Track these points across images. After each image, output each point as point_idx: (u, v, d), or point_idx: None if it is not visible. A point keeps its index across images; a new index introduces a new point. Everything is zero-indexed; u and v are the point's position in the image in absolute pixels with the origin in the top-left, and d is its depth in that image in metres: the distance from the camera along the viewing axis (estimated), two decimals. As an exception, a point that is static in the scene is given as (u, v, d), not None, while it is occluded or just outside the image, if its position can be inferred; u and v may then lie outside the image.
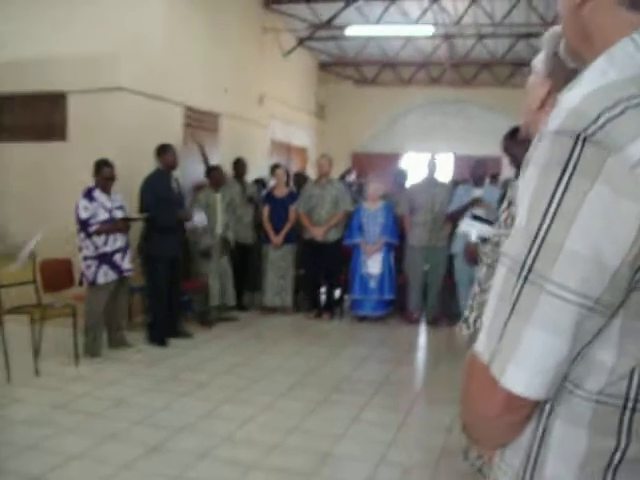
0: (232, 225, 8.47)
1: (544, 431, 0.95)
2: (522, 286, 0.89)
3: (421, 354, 7.85)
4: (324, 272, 8.95)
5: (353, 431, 4.93)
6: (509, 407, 0.93)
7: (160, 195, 7.03)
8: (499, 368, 0.91)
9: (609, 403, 0.91)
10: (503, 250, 0.95)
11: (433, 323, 8.69)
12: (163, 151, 7.24)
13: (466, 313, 1.60)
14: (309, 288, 9.25)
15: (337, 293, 9.31)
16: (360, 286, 8.77)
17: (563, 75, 1.58)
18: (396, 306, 9.02)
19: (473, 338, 1.53)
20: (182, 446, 4.51)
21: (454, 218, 7.76)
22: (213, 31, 9.68)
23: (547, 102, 1.61)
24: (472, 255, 2.77)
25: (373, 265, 8.72)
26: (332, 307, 9.09)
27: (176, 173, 7.44)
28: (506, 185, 7.03)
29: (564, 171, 0.86)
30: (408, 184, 9.57)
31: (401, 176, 9.97)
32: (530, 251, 0.89)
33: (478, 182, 8.02)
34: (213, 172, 8.39)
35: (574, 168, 0.85)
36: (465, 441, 1.96)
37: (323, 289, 9.16)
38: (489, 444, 1.11)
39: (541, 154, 0.90)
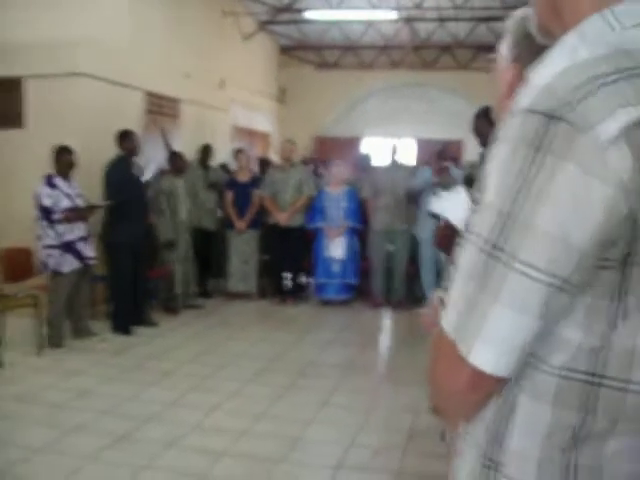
0: (193, 211, 8.42)
1: (509, 406, 0.96)
2: (489, 263, 0.89)
3: (386, 338, 7.88)
4: (288, 257, 8.93)
5: (322, 415, 4.94)
6: (475, 384, 0.93)
7: (122, 180, 6.95)
8: (466, 346, 0.91)
9: (574, 378, 0.91)
10: (469, 227, 0.94)
11: (397, 307, 8.73)
12: (124, 137, 7.15)
13: (445, 299, 1.58)
14: (274, 273, 9.23)
15: (302, 278, 9.30)
16: (323, 270, 8.77)
17: (530, 59, 1.58)
18: (360, 290, 9.05)
19: None
20: (150, 435, 4.47)
21: (416, 194, 7.90)
22: (173, 15, 9.56)
23: (514, 87, 1.61)
24: (443, 239, 2.68)
25: (336, 249, 8.72)
26: (297, 292, 9.08)
27: (137, 159, 7.35)
28: (473, 167, 7.09)
29: (534, 149, 0.85)
30: (371, 168, 9.60)
31: (365, 160, 9.98)
32: (497, 229, 0.88)
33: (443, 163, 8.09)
34: (174, 158, 8.31)
35: (544, 146, 0.84)
36: (442, 422, 1.95)
37: (288, 274, 9.14)
38: (454, 418, 1.13)
39: (511, 131, 0.89)
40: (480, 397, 0.97)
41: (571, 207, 0.83)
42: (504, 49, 1.63)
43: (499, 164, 0.90)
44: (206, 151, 9.28)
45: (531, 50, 1.53)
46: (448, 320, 0.95)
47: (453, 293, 0.96)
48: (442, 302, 1.61)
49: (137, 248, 7.09)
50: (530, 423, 0.94)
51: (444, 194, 3.76)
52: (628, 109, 0.83)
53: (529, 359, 0.92)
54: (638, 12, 0.92)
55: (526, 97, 0.89)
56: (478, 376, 0.92)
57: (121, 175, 6.99)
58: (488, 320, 0.89)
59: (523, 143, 0.86)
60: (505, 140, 0.90)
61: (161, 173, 8.30)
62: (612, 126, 0.82)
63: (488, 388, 0.95)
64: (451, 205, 2.75)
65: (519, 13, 1.63)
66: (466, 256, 0.94)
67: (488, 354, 0.90)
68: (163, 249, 7.99)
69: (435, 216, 3.89)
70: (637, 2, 0.93)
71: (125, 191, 6.91)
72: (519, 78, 1.57)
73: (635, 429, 0.92)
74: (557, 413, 0.92)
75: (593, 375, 0.90)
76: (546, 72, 0.90)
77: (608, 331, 0.89)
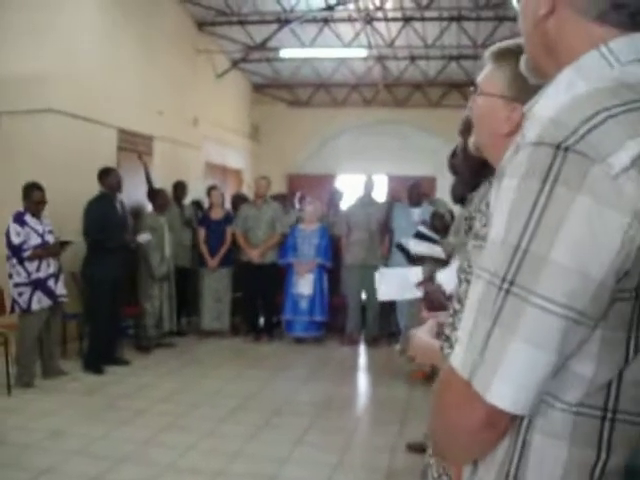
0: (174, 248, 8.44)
1: (522, 445, 0.93)
2: (504, 299, 0.87)
3: (361, 375, 7.84)
4: (261, 294, 8.89)
5: (297, 454, 4.88)
6: (489, 422, 0.91)
7: (104, 218, 6.95)
8: (483, 383, 0.89)
9: (588, 414, 0.89)
10: (479, 264, 0.93)
11: (372, 343, 8.70)
12: (106, 174, 7.19)
13: (447, 332, 1.57)
14: (246, 311, 9.17)
15: (274, 315, 9.25)
16: (291, 306, 8.76)
17: (529, 97, 1.58)
18: (331, 327, 9.02)
19: None
20: (123, 476, 4.38)
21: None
22: (146, 53, 9.59)
23: (519, 127, 1.59)
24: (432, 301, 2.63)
25: (304, 285, 8.71)
26: (270, 329, 9.03)
27: (120, 196, 7.34)
28: (445, 205, 7.14)
29: (545, 182, 0.85)
30: (343, 205, 9.65)
31: (336, 197, 10.03)
32: (511, 264, 0.87)
33: (415, 202, 8.15)
34: (158, 195, 8.30)
35: (556, 179, 0.84)
36: (425, 460, 1.92)
37: (261, 311, 9.09)
38: (462, 459, 1.08)
39: (519, 165, 0.88)
40: (494, 436, 0.94)
41: (587, 238, 0.83)
42: (495, 87, 1.62)
43: (507, 198, 0.89)
44: (180, 188, 9.28)
45: (531, 89, 1.55)
46: (459, 358, 0.93)
47: (463, 330, 0.94)
48: (448, 340, 1.59)
49: (115, 285, 7.02)
50: (545, 463, 0.92)
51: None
52: (637, 140, 0.83)
53: (542, 396, 0.90)
54: (634, 48, 0.94)
55: (531, 130, 0.89)
56: (494, 414, 0.89)
57: (101, 212, 6.97)
58: (506, 356, 0.87)
59: (532, 176, 0.86)
60: (512, 174, 0.89)
61: (137, 212, 8.29)
62: (624, 157, 0.83)
63: (503, 426, 0.92)
64: (447, 272, 2.72)
65: (503, 48, 1.64)
66: (476, 292, 0.92)
67: (507, 391, 0.88)
68: (153, 282, 7.96)
69: (404, 250, 3.85)
70: (632, 37, 0.95)
71: (106, 227, 6.89)
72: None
73: None
74: (574, 451, 0.90)
75: (606, 410, 0.89)
76: (549, 105, 0.90)
77: (621, 364, 0.88)
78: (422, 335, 1.77)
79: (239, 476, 4.45)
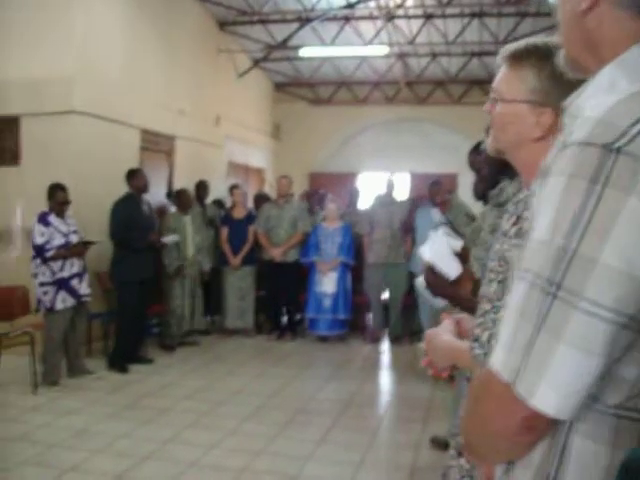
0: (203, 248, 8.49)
1: (562, 448, 0.92)
2: (551, 303, 0.85)
3: (384, 373, 7.83)
4: (284, 292, 8.91)
5: (320, 452, 4.88)
6: (529, 426, 0.90)
7: (130, 218, 7.00)
8: (528, 388, 0.87)
9: (629, 417, 0.89)
10: (522, 265, 0.91)
11: (395, 341, 8.69)
12: (133, 175, 7.27)
13: (477, 332, 1.55)
14: (270, 309, 9.20)
15: (298, 313, 9.26)
16: (314, 305, 8.76)
17: (557, 98, 1.54)
18: (354, 325, 9.02)
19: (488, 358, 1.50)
20: (147, 475, 4.41)
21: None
22: (168, 53, 9.63)
23: (552, 132, 1.55)
24: (431, 283, 2.63)
25: (328, 284, 8.72)
26: (293, 327, 9.04)
27: (147, 197, 7.41)
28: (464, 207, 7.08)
29: (595, 182, 0.83)
30: (363, 203, 9.65)
31: (354, 195, 10.03)
32: (558, 266, 0.85)
33: (436, 202, 8.11)
34: (181, 195, 8.34)
35: (607, 180, 0.83)
36: (447, 462, 1.91)
37: (284, 309, 9.11)
38: (497, 460, 1.06)
39: (566, 165, 0.87)
40: (533, 439, 0.93)
41: (638, 241, 0.81)
42: (518, 92, 1.57)
43: (554, 198, 0.87)
44: (202, 187, 9.31)
45: (561, 91, 1.51)
46: (500, 360, 0.91)
47: (504, 333, 0.92)
48: (477, 340, 1.57)
49: (142, 285, 7.09)
50: (586, 466, 0.91)
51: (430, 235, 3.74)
52: None
53: (584, 400, 0.89)
54: None
55: (579, 130, 0.88)
56: (535, 418, 0.88)
57: (127, 213, 7.03)
58: (552, 362, 0.85)
59: (580, 176, 0.85)
60: (559, 173, 0.88)
61: (161, 211, 8.33)
62: None
63: (543, 429, 0.91)
64: (433, 248, 2.71)
65: (519, 50, 1.59)
66: (518, 294, 0.90)
67: (553, 397, 0.86)
68: (170, 280, 8.00)
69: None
70: None
71: (132, 228, 6.94)
72: (557, 122, 1.53)
73: None
74: (614, 454, 0.89)
75: None
76: (595, 105, 0.89)
77: None
78: (444, 335, 1.75)
79: (262, 474, 4.47)
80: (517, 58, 1.56)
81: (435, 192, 8.02)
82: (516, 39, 1.70)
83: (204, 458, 4.70)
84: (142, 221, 7.17)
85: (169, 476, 4.36)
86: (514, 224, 1.51)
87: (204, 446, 4.90)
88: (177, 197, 8.40)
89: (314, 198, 10.48)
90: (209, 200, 9.66)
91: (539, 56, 1.52)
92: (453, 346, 1.63)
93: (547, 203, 0.88)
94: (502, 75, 1.60)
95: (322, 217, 9.22)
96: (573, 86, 1.52)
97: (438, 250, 2.76)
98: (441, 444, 4.61)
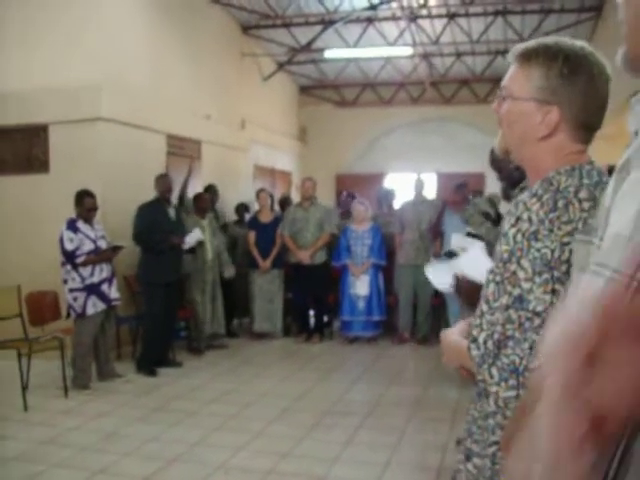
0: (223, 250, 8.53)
1: (623, 452, 0.87)
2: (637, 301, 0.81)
3: (412, 374, 7.81)
4: (312, 295, 8.93)
5: (348, 454, 4.89)
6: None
7: (153, 222, 7.06)
8: None
9: None
10: (598, 260, 0.88)
11: (423, 342, 8.67)
12: (157, 179, 7.38)
13: (474, 333, 1.54)
14: (297, 312, 9.22)
15: (326, 315, 9.28)
16: (349, 307, 8.77)
17: (570, 100, 1.53)
18: (386, 326, 9.01)
19: (484, 358, 1.49)
20: (174, 477, 4.45)
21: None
22: (192, 58, 9.71)
23: (557, 129, 1.54)
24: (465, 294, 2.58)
25: (361, 286, 8.73)
26: (321, 330, 9.06)
27: (174, 201, 7.48)
28: (492, 201, 7.03)
29: None
30: (396, 203, 9.64)
31: (388, 196, 10.01)
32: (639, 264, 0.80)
33: (461, 204, 8.07)
34: (199, 199, 8.38)
35: None
36: (455, 465, 1.88)
37: (312, 312, 9.13)
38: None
39: None
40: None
41: None
42: (525, 90, 1.57)
43: (636, 194, 0.84)
44: (212, 192, 9.26)
45: (568, 90, 1.51)
46: None
47: None
48: (475, 341, 1.56)
49: (169, 288, 7.15)
50: None
51: (462, 242, 3.72)
52: None
53: None
54: None
55: None
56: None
57: (151, 217, 7.10)
58: None
59: None
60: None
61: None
62: None
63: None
64: (469, 262, 2.70)
65: (530, 49, 1.58)
66: (593, 290, 0.86)
67: None
68: (197, 287, 8.04)
69: (452, 255, 3.83)
70: None
71: (154, 232, 7.00)
72: (562, 121, 1.53)
73: None
74: None
75: None
76: None
77: None
78: (451, 334, 1.75)
79: (289, 476, 4.48)
80: (526, 57, 1.56)
81: (459, 194, 7.97)
82: (541, 36, 1.69)
83: (231, 460, 4.73)
84: (166, 225, 7.21)
85: (197, 478, 4.40)
86: (512, 225, 1.50)
87: (231, 448, 4.94)
88: (194, 201, 8.43)
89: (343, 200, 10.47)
90: (235, 203, 9.70)
91: (548, 55, 1.52)
92: (459, 346, 1.63)
93: (629, 197, 0.85)
94: (511, 73, 1.61)
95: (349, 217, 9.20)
96: (581, 86, 1.51)
97: (474, 266, 2.77)
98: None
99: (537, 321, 1.42)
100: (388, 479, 4.44)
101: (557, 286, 1.41)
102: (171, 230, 7.28)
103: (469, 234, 4.42)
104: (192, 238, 7.71)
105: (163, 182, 7.34)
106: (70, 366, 6.45)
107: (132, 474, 4.47)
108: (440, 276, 3.94)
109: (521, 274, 1.45)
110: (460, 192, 7.94)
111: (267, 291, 8.98)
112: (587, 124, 1.56)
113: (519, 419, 0.93)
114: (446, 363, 1.77)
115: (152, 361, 7.12)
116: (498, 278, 1.50)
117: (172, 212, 7.40)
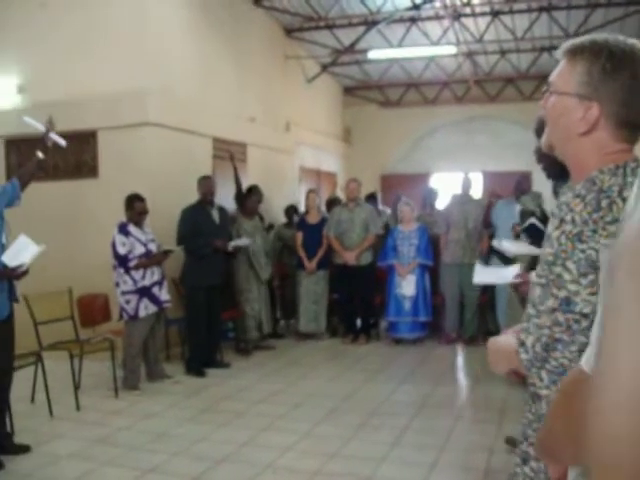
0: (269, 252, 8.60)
1: None
2: None
3: (459, 374, 7.77)
4: (358, 296, 8.94)
5: (394, 454, 4.89)
6: None
7: (196, 225, 7.15)
8: None
9: None
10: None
11: (470, 342, 8.62)
12: (198, 182, 7.43)
13: (522, 337, 1.54)
14: (343, 312, 9.24)
15: (372, 317, 9.28)
16: (395, 308, 8.75)
17: (611, 96, 1.52)
18: (432, 327, 8.97)
19: (533, 362, 1.50)
20: (223, 477, 4.51)
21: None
22: (236, 61, 9.80)
23: (597, 125, 1.53)
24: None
25: (407, 286, 8.70)
26: (367, 331, 9.06)
27: (218, 204, 7.57)
28: (538, 199, 6.94)
29: None
30: (440, 203, 9.60)
31: (431, 195, 9.98)
32: None
33: (520, 196, 7.96)
34: (246, 200, 8.43)
35: None
36: (512, 469, 1.87)
37: (358, 313, 9.14)
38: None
39: None
40: None
41: None
42: (569, 85, 1.57)
43: None
44: (255, 192, 9.27)
45: (609, 87, 1.50)
46: None
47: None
48: (523, 345, 1.55)
49: (212, 291, 7.22)
50: None
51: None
52: None
53: None
54: None
55: None
56: None
57: (194, 219, 7.19)
58: None
59: None
60: None
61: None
62: None
63: None
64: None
65: (577, 45, 1.58)
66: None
67: None
68: (254, 288, 8.12)
69: (498, 252, 3.86)
70: None
71: (197, 235, 7.08)
72: (602, 117, 1.52)
73: None
74: None
75: None
76: None
77: None
78: (500, 339, 1.73)
79: (336, 476, 4.51)
80: (573, 52, 1.57)
81: (518, 189, 7.84)
82: (587, 31, 1.69)
83: (279, 460, 4.77)
84: (209, 228, 7.28)
85: (245, 478, 4.45)
86: (556, 228, 1.50)
87: (279, 448, 4.98)
88: (241, 202, 8.48)
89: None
90: (280, 205, 9.75)
91: (593, 51, 1.51)
92: (509, 350, 1.62)
93: None
94: (558, 69, 1.61)
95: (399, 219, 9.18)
96: (623, 83, 1.50)
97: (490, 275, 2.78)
98: (515, 444, 4.56)
99: (585, 323, 1.41)
100: (435, 480, 4.43)
101: None
102: (215, 233, 7.33)
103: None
104: (242, 242, 7.77)
105: (205, 184, 7.39)
106: (120, 367, 6.58)
107: (181, 473, 4.54)
108: (484, 275, 3.97)
109: (567, 276, 1.45)
110: (519, 186, 7.84)
111: (313, 292, 9.02)
112: (631, 122, 1.54)
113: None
114: (494, 369, 1.76)
115: (200, 362, 7.21)
116: (544, 281, 1.50)
117: (215, 214, 7.46)
